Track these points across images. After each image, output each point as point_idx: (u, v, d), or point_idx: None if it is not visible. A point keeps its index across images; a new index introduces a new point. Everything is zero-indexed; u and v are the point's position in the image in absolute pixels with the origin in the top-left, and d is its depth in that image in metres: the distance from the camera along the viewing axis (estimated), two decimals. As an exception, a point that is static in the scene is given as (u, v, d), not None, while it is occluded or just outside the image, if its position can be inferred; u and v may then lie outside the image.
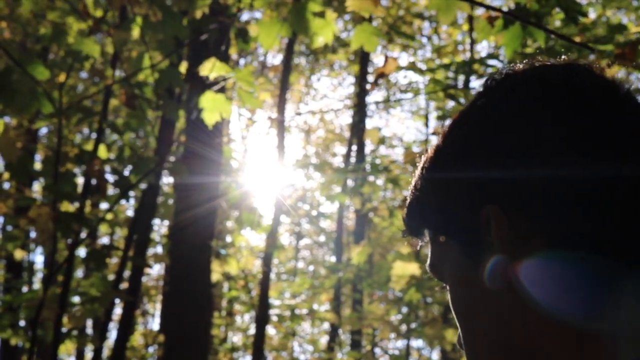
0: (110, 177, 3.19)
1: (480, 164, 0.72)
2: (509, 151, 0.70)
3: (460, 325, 0.76)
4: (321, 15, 2.66)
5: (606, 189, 0.67)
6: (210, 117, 2.78)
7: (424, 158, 0.79)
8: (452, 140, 0.76)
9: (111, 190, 4.45)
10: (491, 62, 4.55)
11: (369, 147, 12.84)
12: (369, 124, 16.33)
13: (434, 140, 0.81)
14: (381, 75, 2.54)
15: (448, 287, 0.77)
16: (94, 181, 4.32)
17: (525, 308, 0.68)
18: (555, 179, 0.68)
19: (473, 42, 8.80)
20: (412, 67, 3.33)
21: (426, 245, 0.81)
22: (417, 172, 0.80)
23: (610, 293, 0.67)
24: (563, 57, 0.77)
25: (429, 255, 0.80)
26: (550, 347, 0.67)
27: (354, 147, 12.22)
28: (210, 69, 2.70)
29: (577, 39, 4.47)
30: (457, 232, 0.74)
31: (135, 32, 3.07)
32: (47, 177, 2.93)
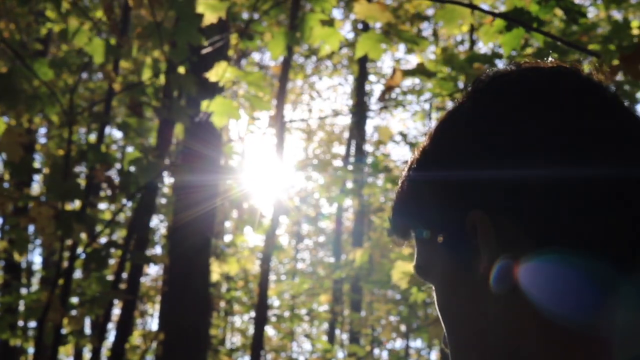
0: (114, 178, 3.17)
1: (466, 167, 0.71)
2: (495, 154, 0.70)
3: (445, 326, 0.75)
4: (329, 23, 2.66)
5: (592, 190, 0.67)
6: (219, 121, 2.78)
7: (410, 159, 0.79)
8: (439, 142, 0.76)
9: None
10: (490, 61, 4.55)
11: (370, 147, 12.85)
12: (369, 124, 16.32)
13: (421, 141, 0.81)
14: (390, 87, 2.54)
15: (434, 288, 0.77)
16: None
17: (517, 310, 0.68)
18: (540, 182, 0.67)
19: (473, 43, 8.80)
20: (418, 72, 3.32)
21: (412, 245, 0.81)
22: (404, 172, 0.80)
23: (604, 294, 0.67)
24: (550, 59, 0.77)
25: (415, 256, 0.79)
26: (543, 349, 0.67)
27: (353, 148, 12.24)
28: (222, 73, 2.70)
29: (577, 38, 4.48)
30: (443, 235, 0.74)
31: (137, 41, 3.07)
32: (53, 177, 2.92)
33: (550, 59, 0.77)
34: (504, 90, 0.74)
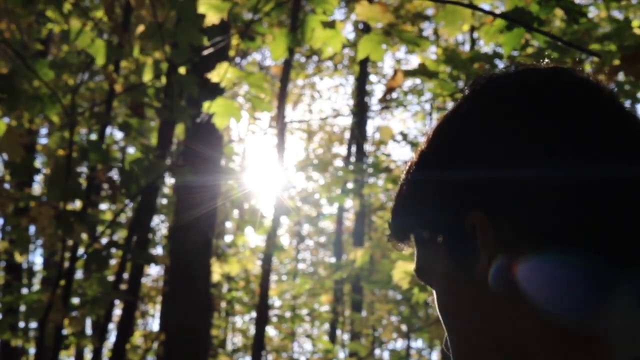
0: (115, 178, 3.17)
1: (465, 169, 0.72)
2: (493, 156, 0.71)
3: (447, 329, 0.76)
4: (331, 25, 2.67)
5: (589, 190, 0.67)
6: (221, 122, 2.78)
7: (409, 162, 0.80)
8: (437, 145, 0.77)
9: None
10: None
11: (371, 147, 12.84)
12: (370, 124, 16.31)
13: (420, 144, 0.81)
14: (391, 89, 2.54)
15: (434, 290, 0.77)
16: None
17: (517, 310, 0.68)
18: (538, 182, 0.68)
19: (474, 42, 8.81)
20: (419, 72, 3.33)
21: (412, 249, 0.81)
22: (403, 176, 0.80)
23: (603, 293, 0.67)
24: (546, 60, 0.78)
25: (415, 260, 0.80)
26: (543, 349, 0.67)
27: (354, 148, 12.23)
28: (223, 74, 2.69)
29: (579, 37, 4.48)
30: (443, 236, 0.74)
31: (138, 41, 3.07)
32: (55, 178, 2.92)
33: (548, 60, 0.77)
34: (500, 92, 0.74)
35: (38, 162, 9.23)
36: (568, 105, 0.71)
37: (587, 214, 0.67)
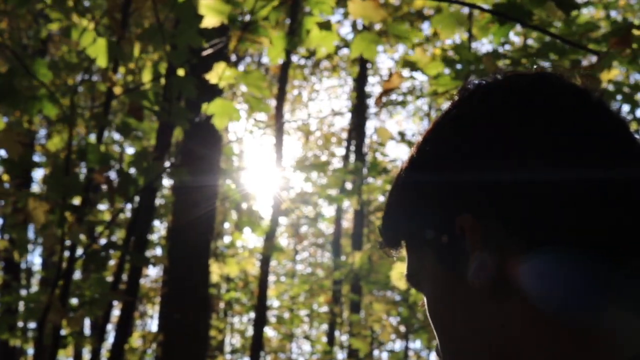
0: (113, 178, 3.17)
1: (453, 173, 0.73)
2: (481, 159, 0.71)
3: (437, 334, 0.76)
4: (327, 26, 2.67)
5: (579, 190, 0.68)
6: (219, 123, 2.78)
7: (400, 167, 0.81)
8: (426, 150, 0.77)
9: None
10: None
11: (369, 148, 12.85)
12: (369, 124, 16.28)
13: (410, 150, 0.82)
14: (387, 90, 2.54)
15: (425, 296, 0.78)
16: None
17: (509, 311, 0.68)
18: (526, 184, 0.68)
19: (470, 38, 8.79)
20: (411, 65, 3.33)
21: (403, 255, 0.81)
22: (393, 181, 0.81)
23: (601, 291, 0.67)
24: (541, 65, 0.79)
25: (406, 266, 0.80)
26: (539, 348, 0.67)
27: (353, 149, 12.24)
28: (220, 75, 2.69)
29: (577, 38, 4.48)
30: (433, 241, 0.74)
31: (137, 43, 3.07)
32: (54, 176, 2.91)
33: (548, 61, 0.78)
34: (487, 98, 0.75)
35: (37, 162, 9.21)
36: (553, 109, 0.72)
37: (578, 214, 0.67)
